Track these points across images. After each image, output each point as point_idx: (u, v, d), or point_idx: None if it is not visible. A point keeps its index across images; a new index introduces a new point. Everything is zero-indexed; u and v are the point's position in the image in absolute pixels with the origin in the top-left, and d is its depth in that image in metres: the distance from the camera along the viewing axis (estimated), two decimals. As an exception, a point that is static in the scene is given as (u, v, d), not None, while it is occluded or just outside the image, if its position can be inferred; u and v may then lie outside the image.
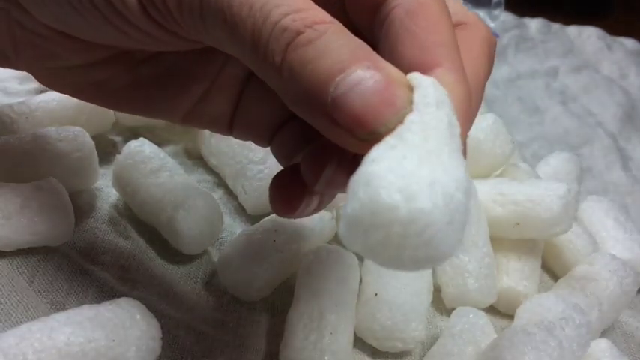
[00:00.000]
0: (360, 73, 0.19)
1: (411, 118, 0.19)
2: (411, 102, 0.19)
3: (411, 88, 0.20)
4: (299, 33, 0.20)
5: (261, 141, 0.31)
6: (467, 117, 0.22)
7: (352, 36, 0.21)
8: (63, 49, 0.26)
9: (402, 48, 0.22)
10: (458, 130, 0.20)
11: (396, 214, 0.16)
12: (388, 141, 0.18)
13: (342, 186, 0.25)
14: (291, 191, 0.27)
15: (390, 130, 0.19)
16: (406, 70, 0.21)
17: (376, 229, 0.16)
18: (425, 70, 0.21)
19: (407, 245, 0.16)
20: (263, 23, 0.20)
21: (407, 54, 0.22)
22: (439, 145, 0.18)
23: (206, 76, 0.29)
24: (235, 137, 0.31)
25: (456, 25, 0.24)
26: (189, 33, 0.23)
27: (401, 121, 0.19)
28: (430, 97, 0.19)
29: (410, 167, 0.17)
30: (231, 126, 0.31)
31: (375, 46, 0.23)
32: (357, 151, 0.20)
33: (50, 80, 0.28)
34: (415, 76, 0.20)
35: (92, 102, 0.29)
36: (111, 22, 0.23)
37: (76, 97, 0.29)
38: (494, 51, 0.26)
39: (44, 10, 0.24)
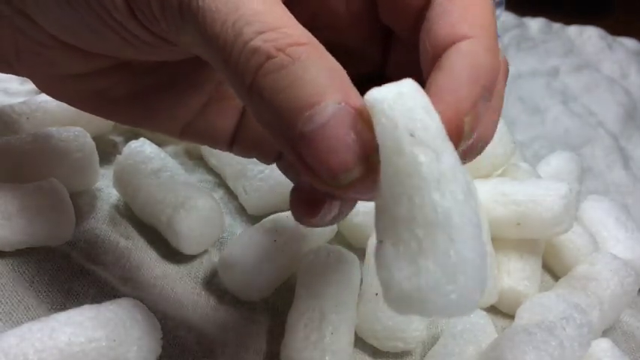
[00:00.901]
0: (329, 110, 0.18)
1: (384, 179, 0.19)
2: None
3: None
4: (270, 57, 0.19)
5: (265, 158, 0.31)
6: (492, 88, 0.21)
7: (328, 60, 0.20)
8: (63, 57, 0.26)
9: (436, 26, 0.22)
10: (442, 134, 0.19)
11: (410, 310, 0.18)
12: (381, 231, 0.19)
13: (366, 195, 0.25)
14: (313, 196, 0.26)
15: (353, 181, 0.19)
16: (439, 46, 0.21)
17: (401, 310, 0.19)
18: (453, 42, 0.21)
19: (430, 314, 0.19)
20: (234, 41, 0.19)
21: (439, 31, 0.22)
22: (424, 201, 0.18)
23: (205, 89, 0.29)
24: (235, 154, 0.31)
25: None
26: (177, 41, 0.22)
27: (369, 170, 0.19)
28: (390, 127, 0.18)
29: (407, 269, 0.18)
30: (232, 142, 0.30)
31: (414, 46, 0.23)
32: (322, 189, 0.20)
33: (51, 88, 0.28)
34: (369, 99, 0.19)
35: (91, 112, 0.29)
36: (104, 23, 0.23)
37: (76, 107, 0.29)
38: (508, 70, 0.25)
39: (47, 14, 0.24)
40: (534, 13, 0.96)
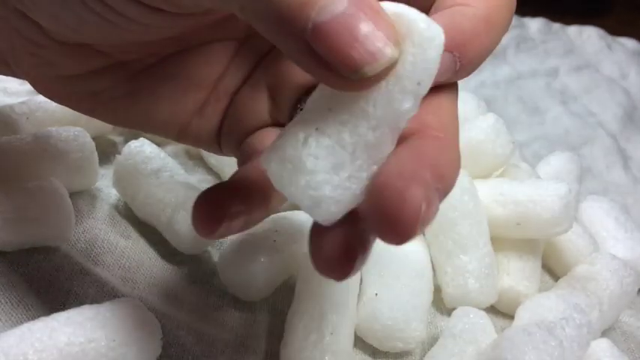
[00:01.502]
0: (346, 0, 0.17)
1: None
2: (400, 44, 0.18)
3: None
4: None
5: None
6: (467, 52, 0.21)
7: None
8: (58, 57, 0.26)
9: None
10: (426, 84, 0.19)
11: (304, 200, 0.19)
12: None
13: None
14: (213, 211, 0.24)
15: (375, 75, 0.18)
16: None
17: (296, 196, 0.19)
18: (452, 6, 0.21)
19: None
20: None
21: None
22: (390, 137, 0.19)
23: (202, 90, 0.29)
24: (225, 154, 0.30)
25: None
26: None
27: (391, 67, 0.18)
28: (414, 57, 0.18)
29: (332, 173, 0.19)
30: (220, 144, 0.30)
31: None
32: (337, 87, 0.19)
33: (47, 89, 0.28)
34: (406, 14, 0.19)
35: (88, 114, 0.29)
36: (91, 10, 0.22)
37: (73, 108, 0.29)
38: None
39: (38, 4, 0.24)
40: (534, 13, 0.96)
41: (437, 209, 0.19)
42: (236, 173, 0.26)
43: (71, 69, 0.26)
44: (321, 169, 0.19)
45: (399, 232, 0.18)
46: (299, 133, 0.19)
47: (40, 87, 0.28)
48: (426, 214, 0.18)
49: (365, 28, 0.17)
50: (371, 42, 0.17)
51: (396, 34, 0.18)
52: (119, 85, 0.27)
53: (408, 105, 0.19)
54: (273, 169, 0.19)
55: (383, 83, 0.19)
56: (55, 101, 0.29)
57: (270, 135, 0.28)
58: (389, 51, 0.18)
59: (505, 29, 0.23)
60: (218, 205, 0.24)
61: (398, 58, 0.18)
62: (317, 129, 0.19)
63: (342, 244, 0.19)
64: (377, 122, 0.19)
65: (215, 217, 0.24)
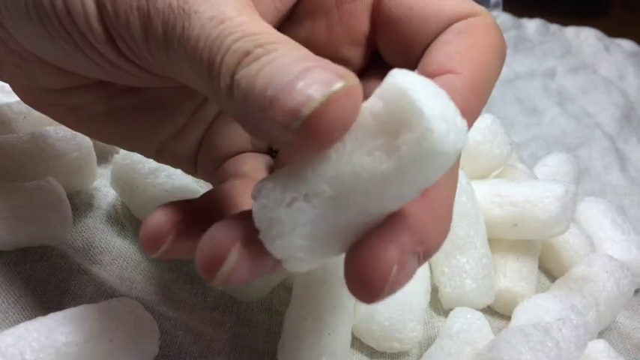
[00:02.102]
0: (287, 66, 0.18)
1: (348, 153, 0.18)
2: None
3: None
4: (248, 53, 0.19)
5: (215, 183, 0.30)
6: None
7: (304, 49, 0.19)
8: (42, 72, 0.26)
9: (429, 57, 0.22)
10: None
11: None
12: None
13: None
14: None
15: (315, 118, 0.17)
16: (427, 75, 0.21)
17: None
18: (440, 74, 0.21)
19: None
20: (217, 52, 0.19)
21: (432, 63, 0.22)
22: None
23: (182, 114, 0.29)
24: (200, 178, 0.31)
25: (465, 17, 0.23)
26: (158, 68, 0.22)
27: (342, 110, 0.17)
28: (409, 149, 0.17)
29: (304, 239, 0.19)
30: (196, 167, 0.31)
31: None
32: (294, 149, 0.18)
33: (29, 99, 0.28)
34: (402, 82, 0.17)
35: (70, 127, 0.29)
36: (81, 51, 0.23)
37: (54, 120, 0.29)
38: (505, 47, 0.24)
39: (19, 28, 0.24)
40: (531, 14, 0.96)
41: (413, 271, 0.19)
42: (208, 193, 0.26)
43: (54, 83, 0.26)
44: (298, 235, 0.19)
45: (367, 291, 0.18)
46: (287, 192, 0.19)
47: (22, 96, 0.28)
48: (398, 277, 0.18)
49: (302, 79, 0.17)
50: (306, 86, 0.17)
51: (336, 71, 0.18)
52: (100, 102, 0.27)
53: (409, 193, 0.18)
54: (256, 210, 0.19)
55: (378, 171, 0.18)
56: (38, 110, 0.29)
57: (246, 160, 0.29)
58: (322, 87, 0.17)
59: (494, 82, 0.23)
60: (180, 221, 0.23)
61: (341, 89, 0.17)
62: (305, 195, 0.19)
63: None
64: (362, 208, 0.18)
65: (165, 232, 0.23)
